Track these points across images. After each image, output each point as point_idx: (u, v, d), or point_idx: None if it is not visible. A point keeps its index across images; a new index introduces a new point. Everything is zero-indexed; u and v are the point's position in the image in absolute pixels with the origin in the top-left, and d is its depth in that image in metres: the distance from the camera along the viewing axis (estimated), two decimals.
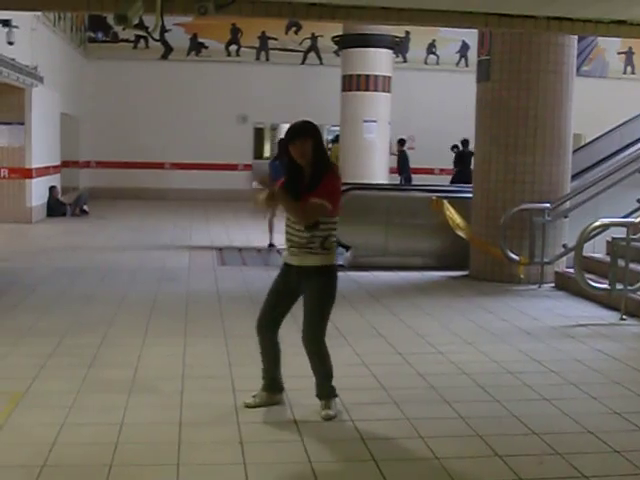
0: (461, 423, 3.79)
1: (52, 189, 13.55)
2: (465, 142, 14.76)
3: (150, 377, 4.41)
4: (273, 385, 3.96)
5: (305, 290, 3.76)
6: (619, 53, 19.68)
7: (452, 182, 14.25)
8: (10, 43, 10.59)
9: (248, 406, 3.91)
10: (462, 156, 14.95)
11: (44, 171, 13.22)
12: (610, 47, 19.18)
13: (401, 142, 15.83)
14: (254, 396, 3.95)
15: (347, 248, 8.84)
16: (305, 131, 3.70)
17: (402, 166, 15.64)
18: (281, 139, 14.07)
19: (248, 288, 7.32)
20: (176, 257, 9.21)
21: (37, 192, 12.81)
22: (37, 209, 12.83)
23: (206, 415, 3.81)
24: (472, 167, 14.43)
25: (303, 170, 3.71)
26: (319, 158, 3.70)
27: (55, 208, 13.45)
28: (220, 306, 6.46)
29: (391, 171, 15.43)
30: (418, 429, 3.68)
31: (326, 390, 3.86)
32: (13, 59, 10.69)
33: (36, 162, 12.68)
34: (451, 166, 15.71)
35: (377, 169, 14.73)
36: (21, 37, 11.10)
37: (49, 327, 5.55)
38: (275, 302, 3.86)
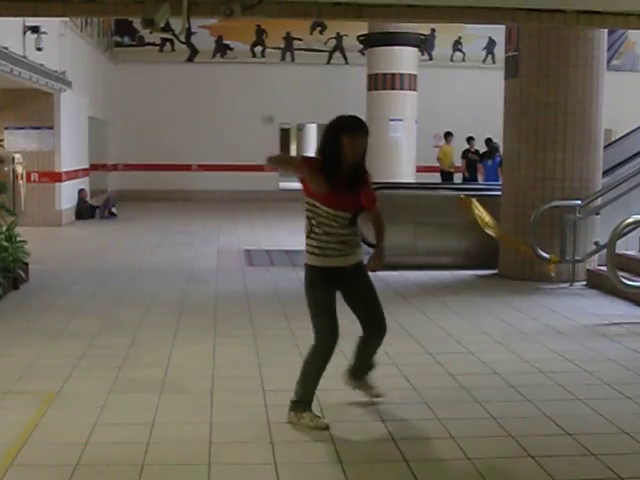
0: (493, 423, 3.74)
1: (81, 192, 13.74)
2: (488, 141, 14.56)
3: (180, 377, 4.44)
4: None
5: (358, 284, 3.72)
6: None
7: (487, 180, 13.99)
8: (39, 49, 10.75)
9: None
10: (484, 155, 14.77)
11: (73, 174, 13.40)
12: None
13: (469, 141, 15.05)
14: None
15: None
16: (367, 128, 3.56)
17: (472, 172, 14.78)
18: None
19: (276, 288, 7.33)
20: (204, 258, 9.26)
21: (66, 195, 12.98)
22: (66, 212, 13.01)
23: (236, 415, 3.82)
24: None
25: (343, 167, 3.53)
26: (364, 159, 3.60)
27: (84, 211, 13.62)
28: (249, 306, 6.48)
29: (419, 169, 15.28)
30: (449, 429, 3.64)
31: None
32: (42, 65, 10.85)
33: (65, 166, 12.86)
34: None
35: (404, 168, 14.65)
36: (49, 43, 11.26)
37: (80, 328, 5.62)
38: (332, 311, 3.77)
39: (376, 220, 3.81)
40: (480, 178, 15.01)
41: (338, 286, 3.66)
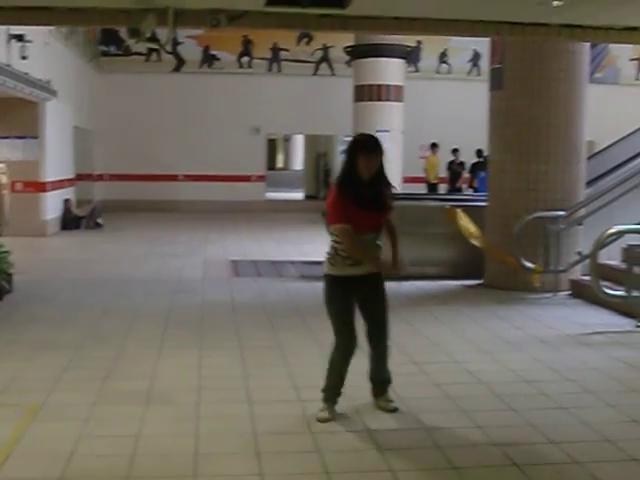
0: (478, 432, 3.76)
1: (66, 202, 13.67)
2: (479, 152, 14.68)
3: (166, 389, 4.42)
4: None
5: (373, 300, 3.88)
6: (631, 60, 19.61)
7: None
8: (24, 58, 10.70)
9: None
10: (476, 166, 14.91)
11: (58, 184, 13.32)
12: (622, 54, 19.12)
13: (454, 152, 15.47)
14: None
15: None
16: (380, 147, 3.75)
17: (454, 182, 15.34)
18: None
19: (263, 299, 7.33)
20: (191, 269, 9.24)
21: (51, 205, 12.90)
22: (51, 222, 12.92)
23: (222, 426, 3.81)
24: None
25: (361, 184, 3.70)
26: (384, 174, 3.77)
27: (70, 221, 13.55)
28: (235, 317, 6.47)
29: (405, 180, 15.37)
30: (435, 439, 3.66)
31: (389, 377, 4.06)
32: (26, 73, 10.81)
33: (50, 175, 12.79)
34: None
35: (390, 178, 14.68)
36: (34, 51, 11.22)
37: (65, 340, 5.58)
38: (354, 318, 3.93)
39: (390, 230, 3.93)
40: (464, 188, 15.15)
41: (356, 294, 3.82)
